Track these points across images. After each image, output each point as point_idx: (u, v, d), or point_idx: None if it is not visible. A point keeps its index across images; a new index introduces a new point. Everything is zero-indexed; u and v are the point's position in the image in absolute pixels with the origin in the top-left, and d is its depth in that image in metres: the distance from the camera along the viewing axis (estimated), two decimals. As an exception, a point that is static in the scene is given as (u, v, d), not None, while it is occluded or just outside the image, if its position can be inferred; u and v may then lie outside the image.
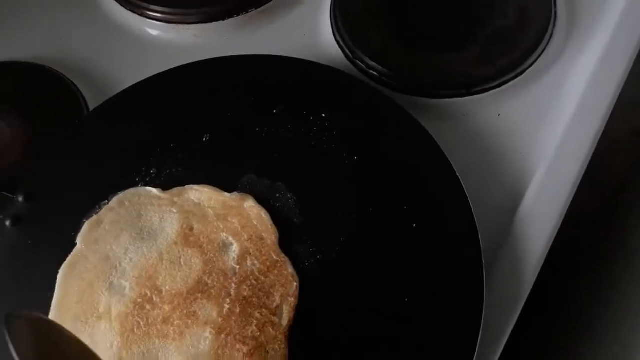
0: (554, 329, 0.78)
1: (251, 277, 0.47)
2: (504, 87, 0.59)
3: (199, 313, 0.46)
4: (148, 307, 0.46)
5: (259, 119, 0.54)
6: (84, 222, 0.50)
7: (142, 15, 0.68)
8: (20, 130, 0.61)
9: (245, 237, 0.48)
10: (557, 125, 0.56)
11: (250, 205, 0.49)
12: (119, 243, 0.49)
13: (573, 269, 0.78)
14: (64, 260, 0.49)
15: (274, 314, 0.45)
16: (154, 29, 0.68)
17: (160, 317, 0.46)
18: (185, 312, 0.46)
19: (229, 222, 0.49)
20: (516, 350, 0.52)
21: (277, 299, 0.46)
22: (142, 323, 0.46)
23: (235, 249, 0.48)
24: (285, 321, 0.45)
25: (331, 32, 0.64)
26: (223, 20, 0.66)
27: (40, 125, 0.61)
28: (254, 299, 0.46)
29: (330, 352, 0.45)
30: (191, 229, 0.49)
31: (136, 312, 0.46)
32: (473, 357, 0.44)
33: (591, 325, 0.72)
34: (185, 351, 0.45)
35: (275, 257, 0.47)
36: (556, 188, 0.53)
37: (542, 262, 0.50)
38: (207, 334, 0.45)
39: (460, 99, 0.58)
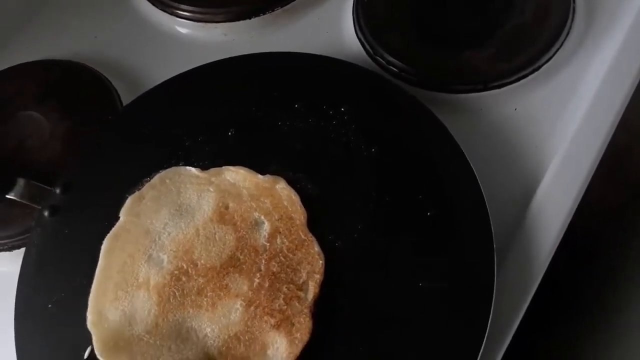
0: (568, 322, 0.78)
1: (280, 254, 0.50)
2: (521, 82, 0.60)
3: (231, 286, 0.49)
4: (184, 279, 0.50)
5: (281, 114, 0.56)
6: (127, 197, 0.54)
7: (172, 14, 0.71)
8: (59, 125, 0.64)
9: (276, 216, 0.51)
10: (572, 120, 0.57)
11: (281, 187, 0.52)
12: (158, 218, 0.53)
13: (593, 263, 0.79)
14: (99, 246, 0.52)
15: (300, 289, 0.48)
16: (184, 28, 0.71)
17: (195, 289, 0.49)
18: (218, 284, 0.49)
19: (261, 202, 0.52)
20: (526, 343, 0.53)
21: (304, 275, 0.49)
22: (177, 293, 0.49)
23: (266, 227, 0.51)
24: (310, 296, 0.48)
25: (353, 30, 0.66)
26: (250, 18, 0.69)
27: (78, 120, 0.65)
28: (282, 275, 0.49)
29: (350, 326, 0.48)
30: (226, 207, 0.52)
31: (173, 283, 0.49)
32: (481, 344, 0.45)
33: (608, 319, 0.72)
34: (216, 321, 0.48)
35: (303, 237, 0.50)
36: (569, 182, 0.54)
37: (552, 254, 0.51)
38: (238, 306, 0.48)
39: (477, 93, 0.60)
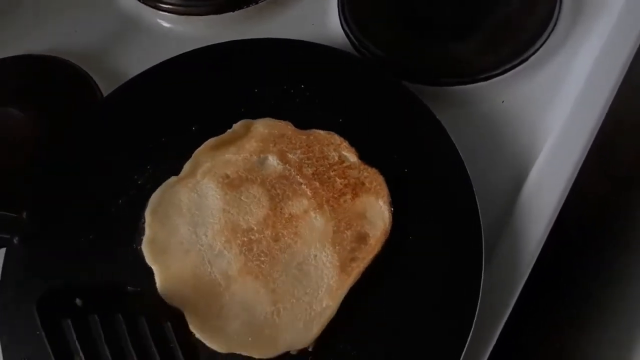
0: (561, 313, 0.78)
1: (303, 161, 0.52)
2: (507, 74, 0.59)
3: (294, 211, 0.50)
4: (254, 246, 0.49)
5: (243, 101, 0.56)
6: (139, 248, 0.50)
7: (154, 7, 0.69)
8: (37, 121, 0.62)
9: (271, 145, 0.53)
10: (559, 112, 0.57)
11: (254, 126, 0.54)
12: (183, 234, 0.50)
13: (585, 254, 0.79)
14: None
15: (343, 162, 0.52)
16: (165, 21, 0.69)
17: (271, 240, 0.49)
18: (283, 221, 0.50)
19: (247, 148, 0.53)
20: (516, 339, 0.52)
21: (334, 153, 0.52)
22: (262, 258, 0.49)
23: (272, 158, 0.53)
24: (354, 158, 0.52)
25: (339, 22, 0.65)
26: (233, 11, 0.68)
27: (57, 116, 0.62)
28: (320, 168, 0.52)
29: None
30: (227, 177, 0.52)
31: (250, 257, 0.49)
32: (466, 340, 0.45)
33: (601, 309, 0.72)
34: (311, 239, 0.49)
35: (305, 137, 0.53)
36: (557, 173, 0.54)
37: (542, 244, 0.51)
38: (313, 215, 0.50)
39: (463, 86, 0.59)
